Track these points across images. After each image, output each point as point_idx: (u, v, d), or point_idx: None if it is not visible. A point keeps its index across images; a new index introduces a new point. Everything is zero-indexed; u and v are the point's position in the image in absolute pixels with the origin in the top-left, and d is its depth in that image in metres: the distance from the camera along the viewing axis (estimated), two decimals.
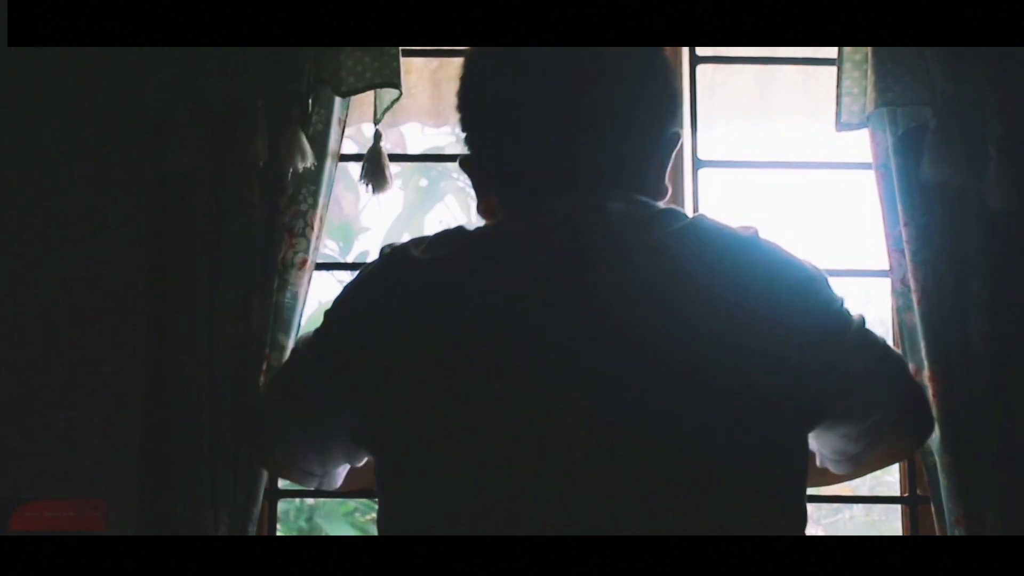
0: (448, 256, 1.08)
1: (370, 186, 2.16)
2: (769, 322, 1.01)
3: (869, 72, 2.12)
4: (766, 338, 1.00)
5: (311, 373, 1.14)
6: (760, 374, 0.99)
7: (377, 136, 2.17)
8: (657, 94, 1.13)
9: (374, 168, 2.15)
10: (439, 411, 0.99)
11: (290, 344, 2.10)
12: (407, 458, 1.00)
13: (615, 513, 0.91)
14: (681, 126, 1.19)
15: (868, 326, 1.18)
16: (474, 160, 1.19)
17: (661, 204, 1.15)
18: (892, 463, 1.44)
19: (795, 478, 0.99)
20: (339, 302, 1.19)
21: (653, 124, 1.13)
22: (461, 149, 1.22)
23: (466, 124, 1.19)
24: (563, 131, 1.09)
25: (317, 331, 1.17)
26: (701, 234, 1.07)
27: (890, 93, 2.10)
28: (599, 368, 0.98)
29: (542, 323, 1.00)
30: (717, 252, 1.06)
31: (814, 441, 1.21)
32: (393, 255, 1.15)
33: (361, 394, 1.05)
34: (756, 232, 1.11)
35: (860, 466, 1.25)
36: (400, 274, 1.11)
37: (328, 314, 1.18)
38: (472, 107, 1.16)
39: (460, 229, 1.13)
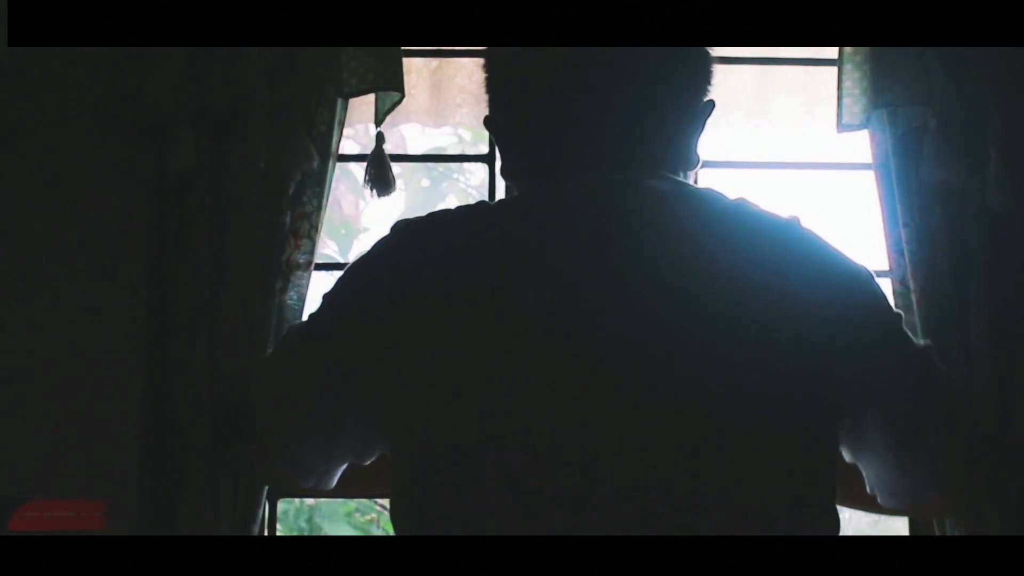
0: (471, 228, 1.04)
1: (374, 190, 2.16)
2: (803, 308, 0.99)
3: (869, 72, 2.12)
4: (799, 325, 0.98)
5: (317, 360, 1.08)
6: (788, 360, 0.97)
7: (380, 139, 2.17)
8: (690, 65, 1.09)
9: (378, 171, 2.15)
10: (468, 389, 0.96)
11: None
12: (435, 438, 0.97)
13: (647, 495, 0.90)
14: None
15: (935, 359, 1.15)
16: (499, 124, 1.14)
17: (695, 182, 1.12)
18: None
19: (821, 472, 0.96)
20: (347, 281, 1.11)
21: (686, 97, 1.09)
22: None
23: (493, 84, 1.14)
24: (596, 104, 1.06)
25: (316, 317, 1.11)
26: (742, 217, 1.04)
27: (890, 93, 2.10)
28: (631, 348, 0.95)
29: (573, 299, 0.97)
30: (756, 236, 1.03)
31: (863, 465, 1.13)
32: (409, 226, 1.09)
33: (380, 373, 1.01)
34: (798, 220, 1.08)
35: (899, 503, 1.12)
36: (420, 243, 1.06)
37: (332, 296, 1.11)
38: (501, 70, 1.11)
39: (483, 203, 1.10)
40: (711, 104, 1.12)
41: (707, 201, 1.05)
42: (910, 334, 1.14)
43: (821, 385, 0.98)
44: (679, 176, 1.11)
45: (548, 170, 1.09)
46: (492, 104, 1.14)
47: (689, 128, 1.11)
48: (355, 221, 6.15)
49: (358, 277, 1.08)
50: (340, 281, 1.12)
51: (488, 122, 1.16)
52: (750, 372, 0.95)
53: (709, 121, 1.15)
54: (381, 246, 1.10)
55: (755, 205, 1.07)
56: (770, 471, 0.92)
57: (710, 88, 1.11)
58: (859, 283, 1.08)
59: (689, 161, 1.11)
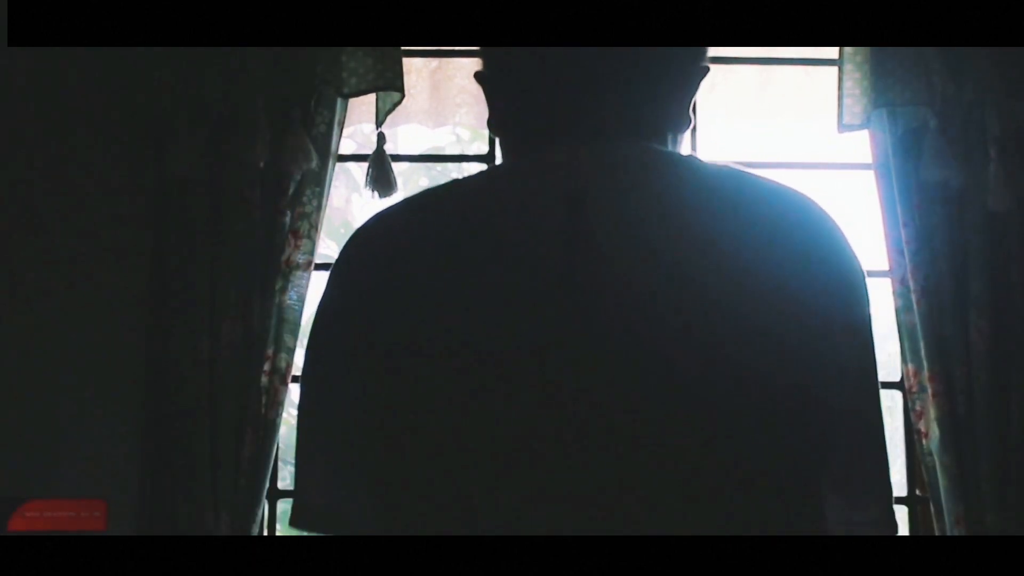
0: (436, 206, 1.02)
1: (376, 191, 2.16)
2: (781, 291, 0.93)
3: (869, 72, 2.13)
4: (774, 307, 0.92)
5: (331, 393, 1.04)
6: (761, 342, 0.92)
7: (381, 140, 2.17)
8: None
9: (379, 172, 2.15)
10: (424, 379, 0.94)
11: (296, 344, 2.11)
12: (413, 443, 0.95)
13: (609, 497, 0.87)
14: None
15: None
16: (489, 78, 1.08)
17: (680, 149, 1.07)
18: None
19: (806, 460, 0.92)
20: (322, 304, 1.07)
21: (680, 60, 1.03)
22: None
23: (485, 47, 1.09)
24: (584, 67, 1.01)
25: (313, 353, 1.07)
26: (726, 186, 0.98)
27: (890, 93, 2.11)
28: (593, 324, 0.91)
29: (534, 271, 0.93)
30: (732, 202, 0.96)
31: None
32: (362, 230, 1.07)
33: (363, 383, 0.99)
34: (790, 190, 1.00)
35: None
36: (378, 242, 1.03)
37: (315, 324, 1.07)
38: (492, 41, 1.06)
39: (452, 181, 1.06)
40: (705, 70, 1.08)
41: (690, 170, 0.99)
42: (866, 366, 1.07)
43: (794, 377, 0.92)
44: (669, 140, 1.06)
45: (530, 133, 1.05)
46: (484, 58, 1.11)
47: (681, 92, 1.07)
48: (354, 221, 6.15)
49: (331, 303, 1.05)
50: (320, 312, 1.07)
51: (479, 76, 1.13)
52: (718, 355, 0.90)
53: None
54: (344, 261, 1.07)
55: (743, 171, 0.99)
56: (757, 466, 0.90)
57: (707, 54, 1.07)
58: (853, 292, 1.03)
59: (680, 124, 1.07)
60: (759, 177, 1.00)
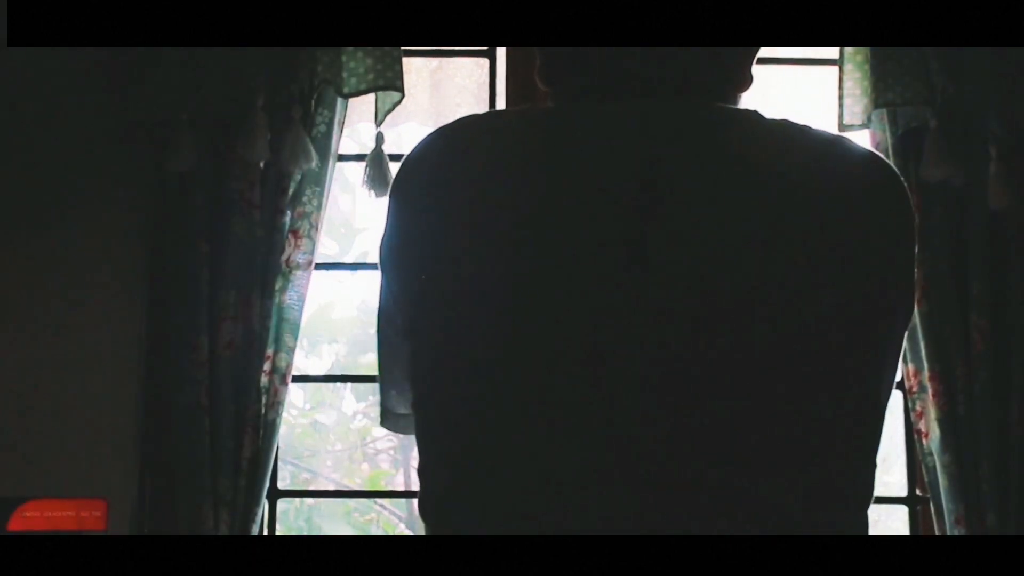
0: (504, 141, 0.97)
1: (373, 190, 2.16)
2: (851, 246, 0.91)
3: (869, 72, 2.13)
4: (845, 263, 0.90)
5: (387, 299, 1.02)
6: (838, 303, 0.89)
7: (379, 139, 2.17)
8: None
9: (377, 171, 2.15)
10: (477, 313, 0.90)
11: (296, 344, 2.11)
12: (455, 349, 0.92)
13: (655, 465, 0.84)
14: None
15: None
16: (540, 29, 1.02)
17: (743, 105, 1.05)
18: None
19: (869, 427, 0.91)
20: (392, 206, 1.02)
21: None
22: None
23: None
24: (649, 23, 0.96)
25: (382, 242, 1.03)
26: (789, 136, 0.96)
27: (890, 93, 2.11)
28: (665, 289, 0.88)
29: (606, 233, 0.90)
30: (800, 157, 0.95)
31: None
32: (440, 137, 1.00)
33: (405, 291, 0.96)
34: (854, 144, 0.99)
35: None
36: (449, 154, 0.98)
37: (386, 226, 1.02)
38: None
39: (519, 110, 1.02)
40: None
41: (757, 126, 0.97)
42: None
43: (869, 341, 0.91)
44: (732, 98, 1.03)
45: (593, 86, 1.00)
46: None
47: (744, 50, 1.05)
48: (353, 221, 6.15)
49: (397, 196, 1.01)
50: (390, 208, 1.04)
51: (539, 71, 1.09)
52: (796, 320, 0.88)
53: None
54: (416, 156, 1.01)
55: (804, 125, 0.99)
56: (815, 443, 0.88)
57: None
58: (912, 249, 0.98)
59: (743, 82, 1.03)
60: (821, 131, 0.99)
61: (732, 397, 0.87)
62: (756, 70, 1.07)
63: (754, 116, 0.99)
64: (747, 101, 1.05)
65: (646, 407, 0.87)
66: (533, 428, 0.88)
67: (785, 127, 0.98)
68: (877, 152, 1.01)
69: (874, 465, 0.93)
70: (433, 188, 0.96)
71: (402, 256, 0.98)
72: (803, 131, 0.98)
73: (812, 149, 0.97)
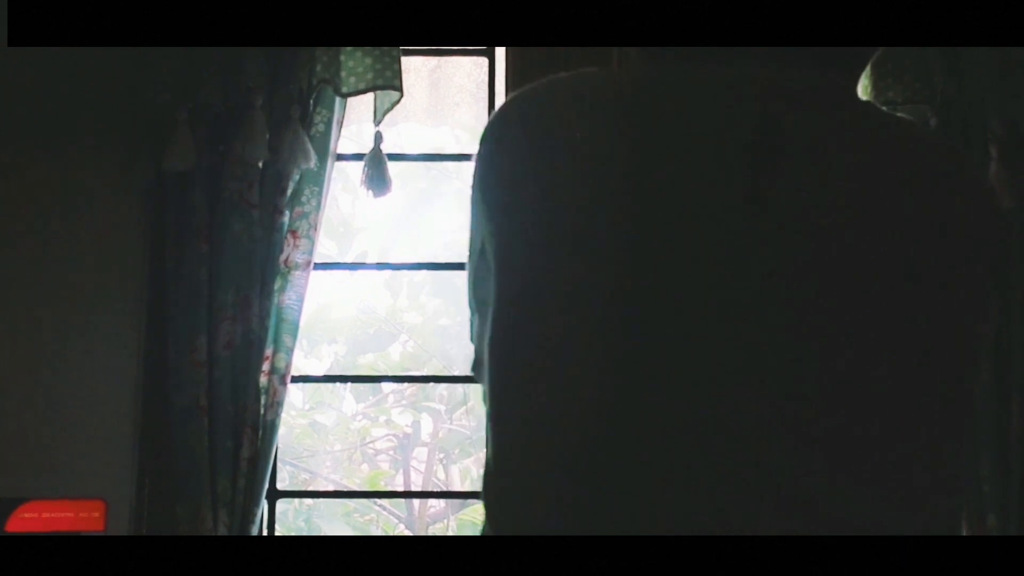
0: (618, 88, 0.93)
1: (371, 190, 2.16)
2: (971, 248, 0.91)
3: (869, 71, 2.13)
4: (941, 257, 0.90)
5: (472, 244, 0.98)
6: (951, 298, 0.89)
7: (378, 138, 2.17)
8: None
9: (375, 171, 2.15)
10: (566, 289, 0.86)
11: (295, 344, 2.11)
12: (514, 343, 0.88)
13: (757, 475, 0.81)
14: None
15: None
16: None
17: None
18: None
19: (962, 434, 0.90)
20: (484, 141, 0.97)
21: None
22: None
23: None
24: None
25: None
26: (900, 125, 0.95)
27: (891, 93, 2.11)
28: (774, 246, 0.85)
29: (716, 183, 0.87)
30: (905, 146, 0.93)
31: None
32: (545, 83, 0.96)
33: (490, 236, 0.92)
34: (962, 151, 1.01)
35: None
36: (545, 105, 0.93)
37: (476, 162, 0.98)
38: None
39: (633, 70, 0.97)
40: None
41: (871, 108, 0.96)
42: None
43: (969, 339, 0.91)
44: (847, 74, 1.02)
45: (693, 52, 0.96)
46: None
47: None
48: (353, 221, 6.15)
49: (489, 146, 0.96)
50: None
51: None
52: (910, 315, 0.87)
53: None
54: (514, 105, 0.97)
55: (912, 120, 1.00)
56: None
57: None
58: (1003, 259, 0.99)
59: (863, 57, 1.01)
60: (928, 129, 1.00)
61: (846, 378, 0.85)
62: None
63: (869, 103, 0.98)
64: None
65: (752, 382, 0.84)
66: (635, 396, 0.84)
67: (903, 120, 0.98)
68: (971, 161, 1.03)
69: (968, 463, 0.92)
70: (537, 133, 0.92)
71: (505, 196, 0.93)
72: (916, 124, 1.00)
73: (929, 141, 0.97)
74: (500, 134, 0.95)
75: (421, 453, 5.49)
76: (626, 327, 0.85)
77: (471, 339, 1.04)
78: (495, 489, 0.90)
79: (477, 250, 0.96)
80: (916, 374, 0.88)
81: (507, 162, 0.93)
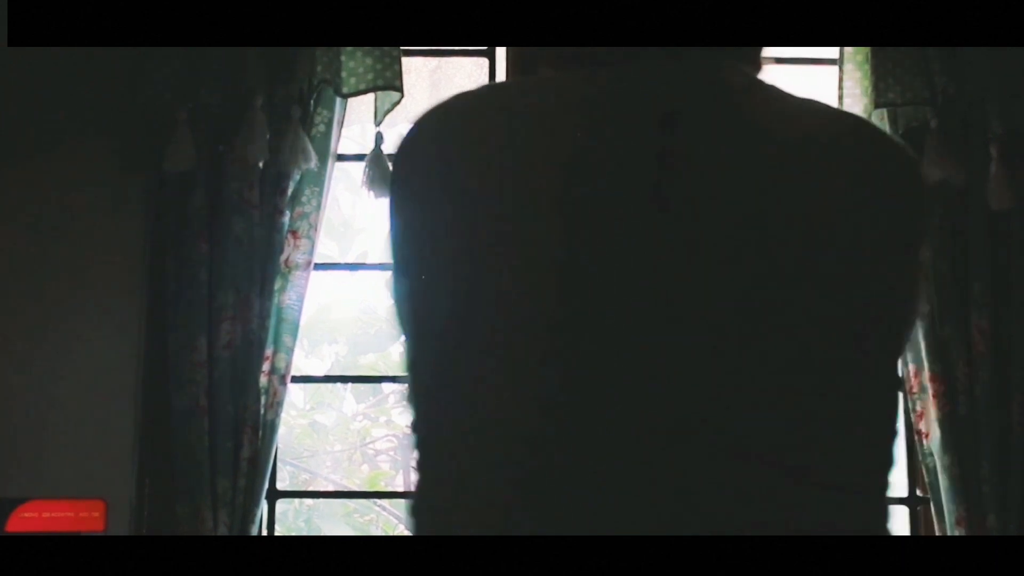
0: (523, 97, 0.93)
1: (372, 190, 2.16)
2: (861, 217, 0.89)
3: (870, 72, 2.13)
4: (857, 233, 0.88)
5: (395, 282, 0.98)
6: (846, 264, 0.88)
7: (379, 139, 2.17)
8: None
9: (376, 171, 2.15)
10: (477, 283, 0.87)
11: (295, 344, 2.11)
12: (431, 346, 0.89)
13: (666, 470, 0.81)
14: None
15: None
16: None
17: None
18: None
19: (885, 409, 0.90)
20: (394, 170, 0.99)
21: None
22: None
23: None
24: None
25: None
26: (825, 117, 0.94)
27: (891, 93, 2.11)
28: (681, 240, 0.85)
29: (622, 181, 0.87)
30: (837, 138, 0.92)
31: None
32: (430, 116, 0.97)
33: (405, 266, 0.93)
34: (878, 129, 0.98)
35: None
36: (453, 120, 0.95)
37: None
38: None
39: (538, 77, 0.97)
40: None
41: (783, 99, 0.94)
42: None
43: (884, 312, 0.90)
44: (752, 65, 1.01)
45: (597, 54, 0.97)
46: None
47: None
48: (353, 221, 6.15)
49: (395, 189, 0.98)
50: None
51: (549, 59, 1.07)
52: (811, 297, 0.85)
53: None
54: (416, 131, 0.98)
55: (824, 103, 0.97)
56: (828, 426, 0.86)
57: None
58: (923, 230, 0.99)
59: (759, 62, 1.00)
60: (837, 108, 1.00)
61: (739, 345, 0.85)
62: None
63: (777, 87, 0.96)
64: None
65: (661, 362, 0.84)
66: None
67: (810, 101, 0.96)
68: (903, 142, 1.01)
69: (892, 448, 0.92)
70: (436, 171, 0.93)
71: (413, 249, 0.94)
72: (827, 107, 0.97)
73: (835, 123, 0.95)
74: (411, 154, 0.96)
75: None
76: (551, 335, 0.85)
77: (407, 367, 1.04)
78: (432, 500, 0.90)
79: (401, 271, 0.96)
80: (840, 364, 0.87)
81: (420, 181, 0.93)
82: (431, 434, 0.94)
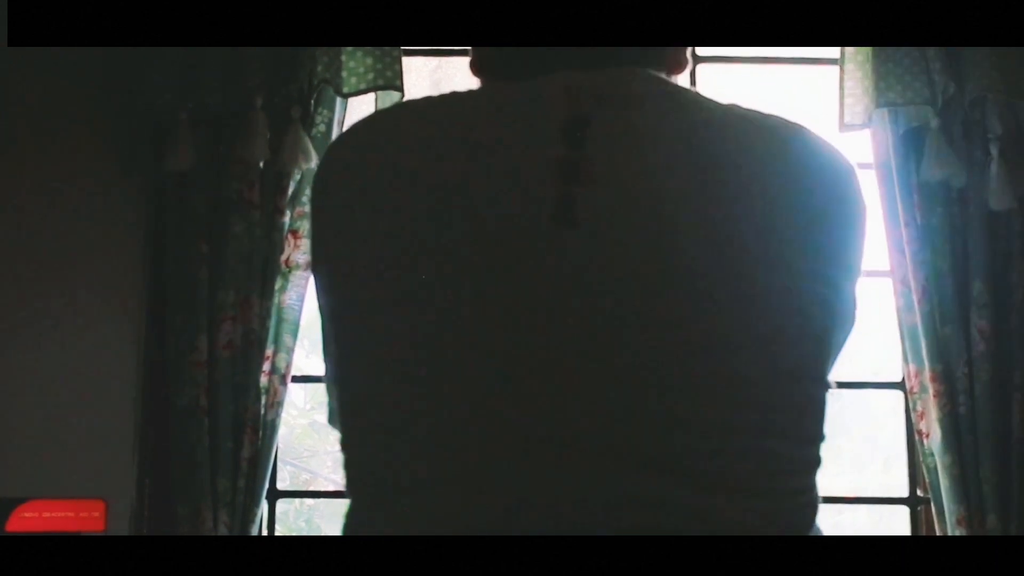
0: (433, 116, 0.94)
1: None
2: (799, 236, 0.88)
3: (871, 72, 2.13)
4: (776, 234, 0.87)
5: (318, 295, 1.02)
6: (765, 270, 0.87)
7: None
8: None
9: None
10: (393, 308, 0.87)
11: (296, 344, 2.11)
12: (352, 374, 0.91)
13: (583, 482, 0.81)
14: None
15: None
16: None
17: (681, 84, 0.99)
18: None
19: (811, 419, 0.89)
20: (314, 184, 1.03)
21: None
22: None
23: None
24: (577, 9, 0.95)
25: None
26: (736, 122, 0.92)
27: (891, 93, 2.11)
28: (592, 252, 0.85)
29: (530, 195, 0.86)
30: (750, 142, 0.91)
31: None
32: (354, 127, 0.99)
33: (321, 282, 0.97)
34: (801, 127, 0.95)
35: None
36: (362, 141, 0.96)
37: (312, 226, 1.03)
38: None
39: (451, 93, 0.98)
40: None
41: (695, 105, 0.93)
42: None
43: (806, 327, 0.88)
44: (666, 76, 1.01)
45: (526, 64, 0.97)
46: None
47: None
48: None
49: (317, 188, 1.01)
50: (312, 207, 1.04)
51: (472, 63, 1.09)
52: (734, 300, 0.85)
53: None
54: (331, 152, 1.02)
55: (741, 105, 0.94)
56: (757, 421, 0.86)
57: None
58: (860, 218, 0.95)
59: (678, 62, 0.99)
60: (756, 111, 0.95)
61: (658, 370, 0.84)
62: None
63: (692, 92, 0.96)
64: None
65: (570, 379, 0.84)
66: (453, 406, 0.86)
67: (723, 106, 0.95)
68: (825, 139, 0.99)
69: (817, 445, 0.91)
70: (351, 177, 0.94)
71: (329, 252, 0.96)
72: (740, 110, 0.94)
73: (748, 125, 0.93)
74: (325, 179, 0.98)
75: None
76: (463, 354, 0.86)
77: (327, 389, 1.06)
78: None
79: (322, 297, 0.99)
80: (756, 377, 0.86)
81: (334, 205, 0.95)
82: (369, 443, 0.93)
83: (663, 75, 0.97)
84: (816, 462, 0.91)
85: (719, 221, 0.87)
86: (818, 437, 0.91)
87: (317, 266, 0.99)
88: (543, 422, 0.84)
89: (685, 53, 1.01)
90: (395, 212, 0.89)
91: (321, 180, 0.99)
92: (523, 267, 0.86)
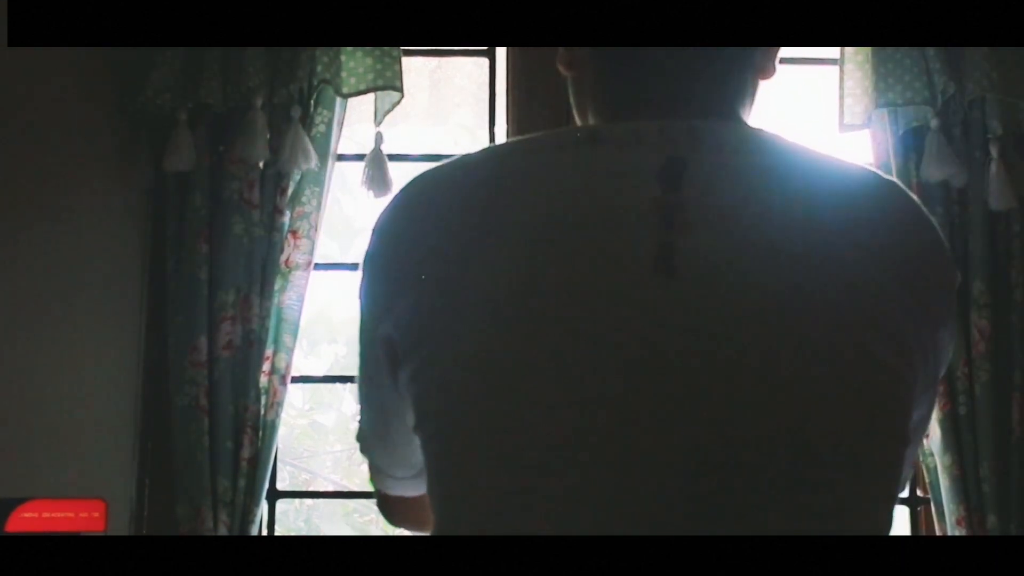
0: (523, 166, 0.93)
1: (372, 190, 2.16)
2: (896, 288, 0.88)
3: (870, 72, 2.13)
4: (867, 290, 0.87)
5: (367, 347, 0.98)
6: (869, 340, 0.86)
7: (379, 139, 2.17)
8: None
9: (376, 171, 2.15)
10: (488, 360, 0.86)
11: (296, 344, 2.11)
12: (445, 430, 0.88)
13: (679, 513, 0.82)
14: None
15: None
16: (575, 58, 1.02)
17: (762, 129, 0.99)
18: None
19: (891, 470, 0.89)
20: (372, 243, 0.98)
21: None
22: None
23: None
24: (671, 54, 0.95)
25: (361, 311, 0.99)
26: (813, 160, 0.93)
27: (891, 93, 2.11)
28: (691, 301, 0.84)
29: (627, 243, 0.86)
30: (837, 188, 0.91)
31: None
32: (428, 174, 0.97)
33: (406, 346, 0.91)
34: (894, 182, 0.96)
35: None
36: (442, 192, 0.94)
37: (364, 265, 0.98)
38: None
39: (534, 139, 0.96)
40: (775, 50, 1.04)
41: (790, 151, 0.93)
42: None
43: (895, 369, 0.89)
44: (745, 119, 0.99)
45: (621, 111, 0.98)
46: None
47: (756, 73, 0.99)
48: (354, 221, 6.15)
49: (380, 244, 0.97)
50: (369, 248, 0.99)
51: (562, 57, 1.07)
52: (826, 352, 0.85)
53: None
54: (403, 203, 0.97)
55: (822, 153, 0.95)
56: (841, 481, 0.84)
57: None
58: (945, 265, 0.96)
59: (751, 102, 1.01)
60: (840, 159, 0.96)
61: (756, 414, 0.84)
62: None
63: (775, 136, 0.96)
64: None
65: (671, 421, 0.84)
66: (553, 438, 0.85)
67: (811, 152, 0.95)
68: (906, 190, 0.99)
69: (894, 501, 0.91)
70: (455, 216, 0.92)
71: (409, 328, 0.92)
72: (827, 158, 0.95)
73: (838, 176, 0.94)
74: (420, 211, 0.94)
75: None
76: (560, 417, 0.85)
77: (360, 434, 1.05)
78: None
79: (376, 332, 0.95)
80: (856, 425, 0.86)
81: (434, 239, 0.92)
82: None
83: (742, 118, 0.98)
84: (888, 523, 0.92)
85: (820, 278, 0.87)
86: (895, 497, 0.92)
87: (391, 312, 0.93)
88: (659, 476, 0.83)
89: (774, 59, 1.01)
90: (501, 269, 0.88)
91: (400, 220, 0.95)
92: (619, 311, 0.85)
